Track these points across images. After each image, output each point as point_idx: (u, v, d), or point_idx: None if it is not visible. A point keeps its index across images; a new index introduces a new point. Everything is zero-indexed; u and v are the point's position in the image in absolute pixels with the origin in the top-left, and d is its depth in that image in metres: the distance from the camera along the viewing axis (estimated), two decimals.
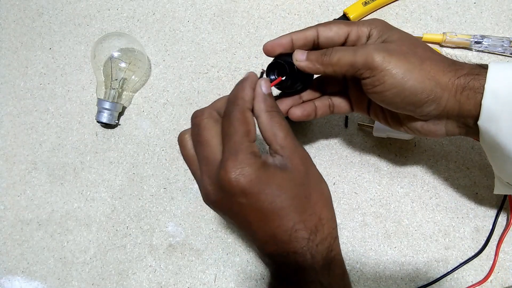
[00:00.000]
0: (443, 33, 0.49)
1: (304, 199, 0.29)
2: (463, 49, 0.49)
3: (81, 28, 0.56)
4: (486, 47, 0.48)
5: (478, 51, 0.49)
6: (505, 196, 0.43)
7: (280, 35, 0.35)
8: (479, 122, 0.31)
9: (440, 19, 0.51)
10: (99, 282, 0.46)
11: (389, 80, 0.31)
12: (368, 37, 0.34)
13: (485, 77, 0.30)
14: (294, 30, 0.35)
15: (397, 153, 0.47)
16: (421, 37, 0.49)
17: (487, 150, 0.34)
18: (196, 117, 0.32)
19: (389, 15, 0.52)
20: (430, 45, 0.49)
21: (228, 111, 0.31)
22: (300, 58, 0.34)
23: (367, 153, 0.47)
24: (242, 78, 0.32)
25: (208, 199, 0.31)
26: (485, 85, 0.30)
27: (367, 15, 0.52)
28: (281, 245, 0.29)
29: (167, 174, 0.49)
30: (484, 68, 0.31)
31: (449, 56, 0.33)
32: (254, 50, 0.52)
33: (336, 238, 0.30)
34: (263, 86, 0.31)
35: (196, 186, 0.48)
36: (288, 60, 0.35)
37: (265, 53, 0.36)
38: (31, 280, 0.47)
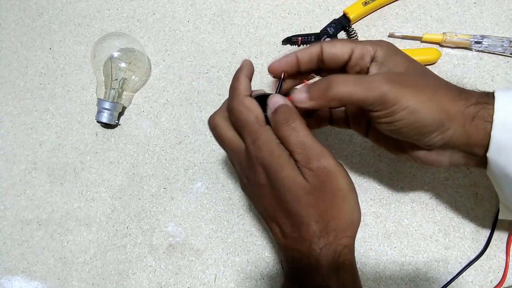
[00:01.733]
0: (443, 33, 0.49)
1: (317, 201, 0.29)
2: (463, 49, 0.49)
3: (81, 28, 0.56)
4: (486, 47, 0.48)
5: (478, 51, 0.49)
6: None
7: (284, 54, 0.34)
8: (488, 154, 0.30)
9: (440, 19, 0.51)
10: (99, 282, 0.46)
11: (400, 113, 0.29)
12: (373, 58, 0.33)
13: (493, 106, 0.30)
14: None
15: None
16: (421, 37, 0.49)
17: (494, 180, 0.33)
18: (210, 122, 0.34)
19: (389, 15, 0.52)
20: (430, 45, 0.50)
21: (229, 106, 0.32)
22: (302, 100, 0.31)
23: (367, 153, 0.47)
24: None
25: (239, 174, 0.34)
26: (494, 116, 0.29)
27: (367, 15, 0.52)
28: (287, 238, 0.30)
29: (167, 174, 0.49)
30: (491, 97, 0.30)
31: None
32: (254, 50, 0.52)
33: (346, 246, 0.30)
34: (270, 102, 0.32)
35: (196, 186, 0.48)
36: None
37: (270, 73, 0.34)
38: (31, 280, 0.47)
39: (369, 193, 0.46)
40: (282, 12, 0.54)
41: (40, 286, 0.47)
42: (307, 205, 0.29)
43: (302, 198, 0.29)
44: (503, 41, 0.48)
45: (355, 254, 0.43)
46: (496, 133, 0.29)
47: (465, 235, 0.43)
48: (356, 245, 0.44)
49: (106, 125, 0.51)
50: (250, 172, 0.31)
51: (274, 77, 0.35)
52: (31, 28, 0.57)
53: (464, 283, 0.42)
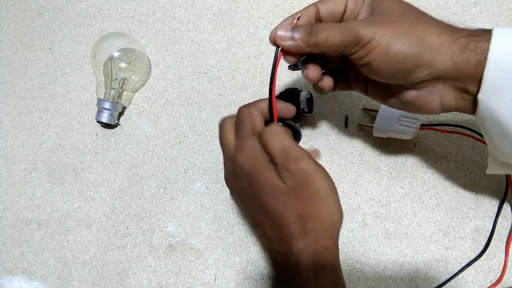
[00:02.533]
0: None
1: (294, 203, 0.30)
2: None
3: (81, 28, 0.56)
4: None
5: None
6: (505, 196, 0.43)
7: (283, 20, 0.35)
8: (479, 95, 0.29)
9: (440, 19, 0.51)
10: (99, 282, 0.46)
11: (375, 49, 0.29)
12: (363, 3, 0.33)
13: (487, 39, 0.28)
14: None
15: (397, 153, 0.47)
16: None
17: (483, 126, 0.32)
18: (219, 122, 0.36)
19: None
20: None
21: (238, 112, 0.34)
22: (284, 37, 0.32)
23: (367, 153, 0.47)
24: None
25: (226, 179, 0.36)
26: (488, 55, 0.28)
27: None
28: (270, 241, 0.31)
29: (167, 174, 0.49)
30: (487, 32, 0.29)
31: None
32: (254, 50, 0.52)
33: (325, 248, 0.30)
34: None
35: (196, 186, 0.48)
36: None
37: (272, 42, 0.34)
38: (31, 280, 0.47)
39: (369, 193, 0.46)
40: (282, 12, 0.54)
41: (40, 286, 0.47)
42: (285, 207, 0.30)
43: (280, 200, 0.30)
44: None
45: (355, 254, 0.44)
46: (490, 73, 0.28)
47: (465, 235, 0.43)
48: (356, 245, 0.44)
49: (106, 125, 0.51)
50: (233, 176, 0.33)
51: (273, 44, 0.34)
52: (31, 28, 0.57)
53: (464, 283, 0.42)
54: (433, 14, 0.51)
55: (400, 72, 0.30)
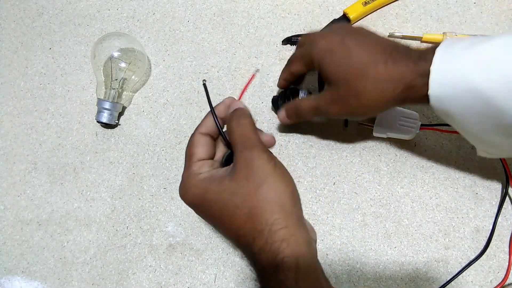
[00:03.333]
0: (443, 33, 0.49)
1: (237, 209, 0.29)
2: None
3: (81, 28, 0.56)
4: None
5: None
6: (505, 196, 0.43)
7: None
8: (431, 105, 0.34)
9: (440, 19, 0.51)
10: (99, 282, 0.46)
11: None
12: (318, 66, 0.38)
13: (425, 80, 0.32)
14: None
15: (397, 153, 0.47)
16: (421, 37, 0.49)
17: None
18: None
19: (389, 15, 0.52)
20: (430, 45, 0.50)
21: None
22: (281, 118, 0.44)
23: (367, 153, 0.47)
24: None
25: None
26: (429, 92, 0.32)
27: (367, 15, 0.52)
28: (239, 250, 0.33)
29: (167, 174, 0.49)
30: (424, 75, 0.32)
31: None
32: (254, 50, 0.52)
33: (284, 240, 0.28)
34: (232, 105, 0.35)
35: None
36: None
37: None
38: (31, 280, 0.47)
39: (369, 193, 0.46)
40: (282, 12, 0.54)
41: (40, 286, 0.47)
42: (235, 209, 0.29)
43: (230, 205, 0.29)
44: None
45: (355, 254, 0.44)
46: (434, 103, 0.33)
47: (465, 235, 0.43)
48: (356, 245, 0.44)
49: (106, 125, 0.51)
50: (190, 207, 0.33)
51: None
52: (31, 28, 0.57)
53: (464, 283, 0.42)
54: (433, 14, 0.51)
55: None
